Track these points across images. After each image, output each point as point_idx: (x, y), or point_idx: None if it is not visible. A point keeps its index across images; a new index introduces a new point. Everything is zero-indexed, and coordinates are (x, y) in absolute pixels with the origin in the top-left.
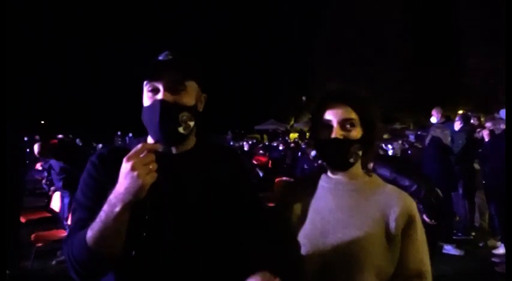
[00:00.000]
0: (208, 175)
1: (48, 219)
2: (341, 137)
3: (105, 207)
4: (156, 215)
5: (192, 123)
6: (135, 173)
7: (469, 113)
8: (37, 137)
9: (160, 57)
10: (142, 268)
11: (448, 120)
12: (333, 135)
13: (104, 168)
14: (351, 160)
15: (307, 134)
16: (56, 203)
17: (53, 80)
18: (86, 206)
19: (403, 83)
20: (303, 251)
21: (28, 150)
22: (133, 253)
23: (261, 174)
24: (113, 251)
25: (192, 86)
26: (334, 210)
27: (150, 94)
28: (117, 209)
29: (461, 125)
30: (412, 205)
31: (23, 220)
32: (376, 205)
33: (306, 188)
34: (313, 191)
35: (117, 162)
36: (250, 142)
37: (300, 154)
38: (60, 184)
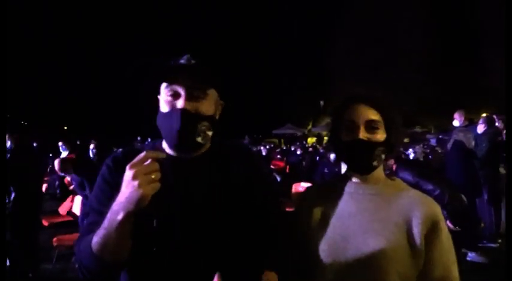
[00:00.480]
0: (220, 179)
1: (69, 223)
2: (366, 139)
3: (109, 214)
4: (167, 221)
5: (210, 133)
6: (136, 182)
7: (493, 116)
8: (60, 143)
9: (181, 61)
10: (153, 273)
11: (471, 124)
12: (359, 136)
13: (118, 171)
14: (375, 163)
15: (325, 138)
16: (77, 207)
17: (74, 86)
18: (97, 210)
19: (424, 86)
20: (323, 256)
21: (51, 154)
22: (147, 264)
23: (278, 179)
24: (118, 258)
25: (212, 94)
26: (354, 215)
27: (169, 99)
28: (119, 217)
29: (485, 128)
30: (437, 210)
31: (45, 223)
32: (398, 210)
33: (327, 192)
34: (334, 195)
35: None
36: (268, 147)
37: (318, 158)
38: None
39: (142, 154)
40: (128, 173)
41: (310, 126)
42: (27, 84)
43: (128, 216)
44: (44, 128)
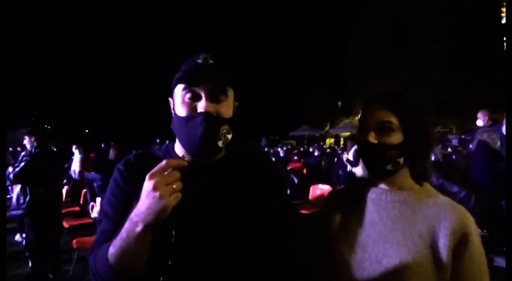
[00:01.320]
0: (239, 185)
1: (89, 225)
2: (375, 141)
3: (127, 224)
4: (186, 232)
5: (230, 136)
6: (157, 193)
7: None
8: (74, 146)
9: (198, 60)
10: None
11: (495, 124)
12: (367, 139)
13: (131, 176)
14: (389, 167)
15: (342, 139)
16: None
17: (94, 90)
18: (112, 217)
19: (444, 86)
20: (341, 265)
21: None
22: (162, 279)
23: (295, 180)
24: (135, 270)
25: (230, 94)
26: (375, 223)
27: (188, 101)
28: (138, 229)
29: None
30: (468, 220)
31: (65, 225)
32: (424, 219)
33: (350, 197)
34: (356, 201)
35: (143, 168)
36: (285, 148)
37: (336, 159)
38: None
39: (164, 163)
40: (149, 184)
41: (328, 128)
42: (49, 88)
43: (148, 227)
44: (65, 131)
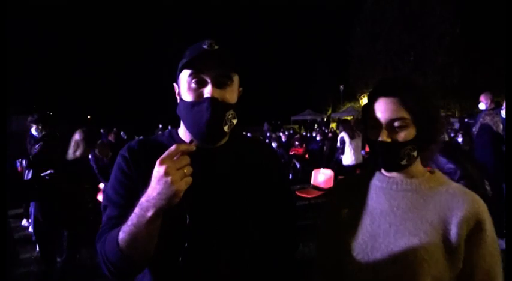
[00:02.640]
0: (242, 169)
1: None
2: (388, 140)
3: (137, 210)
4: (197, 215)
5: (235, 121)
6: (169, 178)
7: None
8: (102, 131)
9: (204, 46)
10: (187, 266)
11: (497, 107)
12: (380, 138)
13: (135, 162)
14: (403, 163)
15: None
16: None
17: (96, 75)
18: (117, 203)
19: (447, 69)
20: (351, 255)
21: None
22: (181, 259)
23: (298, 165)
24: (146, 254)
25: (235, 79)
26: (386, 212)
27: (195, 86)
28: (150, 214)
29: None
30: (481, 207)
31: None
32: (435, 207)
33: (358, 186)
34: (365, 190)
35: (147, 155)
36: (287, 133)
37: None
38: None
39: (173, 148)
40: (160, 169)
41: (329, 112)
42: (51, 74)
43: (158, 212)
44: (68, 118)
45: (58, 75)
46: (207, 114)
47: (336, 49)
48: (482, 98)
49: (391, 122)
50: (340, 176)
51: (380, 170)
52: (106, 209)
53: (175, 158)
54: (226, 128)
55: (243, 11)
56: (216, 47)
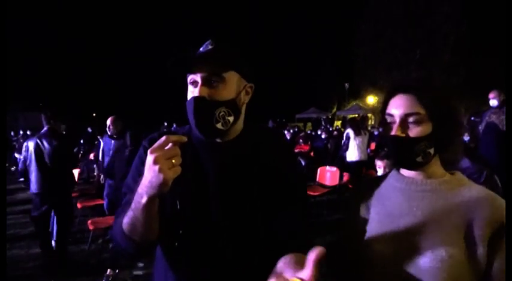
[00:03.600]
0: (254, 162)
1: (102, 206)
2: (402, 135)
3: (135, 197)
4: (202, 205)
5: (231, 118)
6: (157, 167)
7: None
8: (89, 129)
9: (201, 49)
10: (187, 254)
11: (504, 105)
12: (393, 133)
13: None
14: (419, 159)
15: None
16: None
17: (101, 74)
18: (134, 191)
19: (453, 67)
20: (370, 258)
21: (82, 141)
22: (176, 244)
23: (303, 163)
24: (146, 237)
25: (231, 77)
26: (405, 213)
27: (191, 87)
28: (143, 201)
29: None
30: (505, 211)
31: (79, 206)
32: (457, 209)
33: (377, 187)
34: (384, 192)
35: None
36: (291, 131)
37: (342, 142)
38: None
39: (163, 138)
40: (149, 158)
41: (335, 110)
42: (59, 73)
43: (151, 200)
44: (73, 114)
45: (62, 73)
46: (193, 113)
47: (341, 47)
48: (492, 95)
49: (405, 117)
50: (345, 173)
51: (398, 171)
52: (125, 195)
53: (166, 148)
54: (219, 126)
55: (248, 9)
56: (210, 47)
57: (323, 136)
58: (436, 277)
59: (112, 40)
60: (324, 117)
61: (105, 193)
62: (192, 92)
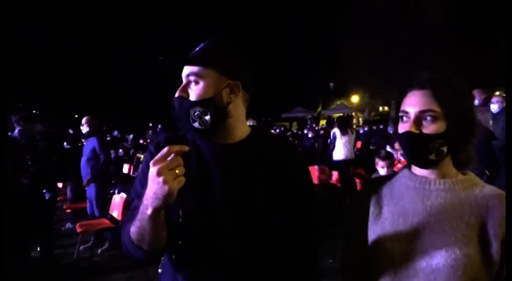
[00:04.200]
0: (259, 165)
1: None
2: (416, 132)
3: (141, 207)
4: (206, 208)
5: (207, 118)
6: (161, 178)
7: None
8: (70, 130)
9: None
10: (193, 257)
11: (488, 103)
12: (407, 129)
13: None
14: (432, 157)
15: (335, 120)
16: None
17: (83, 73)
18: (142, 196)
19: (439, 65)
20: (382, 255)
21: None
22: (174, 256)
23: None
24: (153, 246)
25: (209, 75)
26: (419, 212)
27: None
28: (149, 212)
29: (500, 106)
30: None
31: (67, 210)
32: (471, 208)
33: (387, 186)
34: (395, 190)
35: None
36: (278, 130)
37: (329, 141)
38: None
39: (165, 149)
40: (153, 170)
41: (320, 109)
42: (59, 73)
43: (156, 211)
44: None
45: (62, 73)
46: (173, 113)
47: (327, 46)
48: (475, 94)
49: (420, 114)
50: (333, 172)
51: (410, 170)
52: (133, 200)
53: (168, 158)
54: (197, 125)
55: (232, 9)
56: (198, 48)
57: (310, 135)
58: (450, 276)
59: (112, 40)
60: (310, 116)
61: (87, 196)
62: None
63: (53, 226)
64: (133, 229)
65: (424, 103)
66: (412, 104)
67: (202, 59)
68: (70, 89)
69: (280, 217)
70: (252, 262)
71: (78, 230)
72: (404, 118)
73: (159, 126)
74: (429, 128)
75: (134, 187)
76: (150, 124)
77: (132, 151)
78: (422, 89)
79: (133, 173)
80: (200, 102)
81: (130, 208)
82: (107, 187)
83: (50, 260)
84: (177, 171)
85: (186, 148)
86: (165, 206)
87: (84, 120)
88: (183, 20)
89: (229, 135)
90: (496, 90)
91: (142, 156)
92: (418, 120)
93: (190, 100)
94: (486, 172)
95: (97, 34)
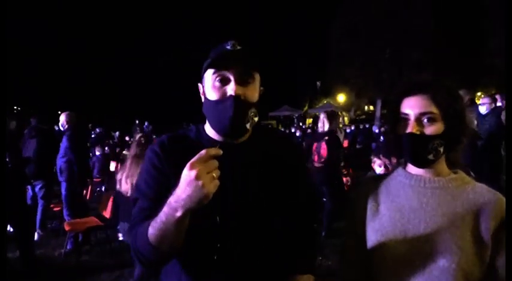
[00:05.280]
0: (267, 164)
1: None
2: (417, 132)
3: (166, 209)
4: (212, 208)
5: (256, 119)
6: (200, 182)
7: (496, 95)
8: (56, 127)
9: (227, 47)
10: (197, 256)
11: (472, 104)
12: (409, 130)
13: (166, 157)
14: (430, 157)
15: None
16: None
17: (69, 69)
18: (149, 196)
19: (423, 65)
20: (380, 250)
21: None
22: (216, 257)
23: None
24: (175, 247)
25: (257, 78)
26: (415, 209)
27: (218, 84)
28: (179, 214)
29: (489, 108)
30: (504, 206)
31: (55, 208)
32: (463, 204)
33: (383, 184)
34: (392, 188)
35: (178, 150)
36: None
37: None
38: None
39: (204, 152)
40: (190, 173)
41: (306, 108)
42: (59, 73)
43: (188, 213)
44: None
45: (62, 73)
46: (231, 112)
47: (314, 45)
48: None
49: (420, 116)
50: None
51: (405, 169)
52: (137, 201)
53: (206, 162)
54: (248, 126)
55: (221, 7)
56: (239, 47)
57: (297, 134)
58: (446, 269)
59: (112, 40)
60: (297, 115)
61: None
62: (219, 89)
63: (28, 226)
64: (152, 231)
65: (423, 105)
66: (412, 106)
67: (255, 61)
68: (69, 89)
69: (282, 218)
70: (255, 262)
71: (66, 228)
72: (404, 119)
73: (146, 123)
74: (429, 129)
75: (138, 187)
76: (137, 121)
77: (118, 149)
78: (421, 92)
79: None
80: (255, 104)
81: (135, 208)
82: (75, 188)
83: (27, 263)
84: (214, 174)
85: (220, 152)
86: (197, 208)
87: (62, 117)
88: (183, 20)
89: (244, 135)
90: (479, 91)
91: (128, 154)
92: (418, 122)
93: (249, 101)
94: (471, 173)
95: (97, 34)
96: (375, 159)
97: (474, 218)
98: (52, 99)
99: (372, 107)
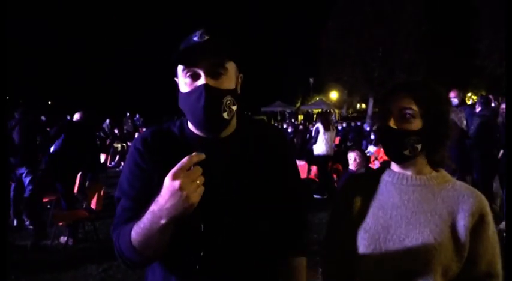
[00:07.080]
0: (254, 159)
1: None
2: (395, 127)
3: (149, 216)
4: (206, 213)
5: (234, 108)
6: (185, 192)
7: (489, 96)
8: (43, 118)
9: (195, 38)
10: (187, 253)
11: (463, 104)
12: (388, 124)
13: (149, 154)
14: (406, 152)
15: (315, 116)
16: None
17: (61, 61)
18: (131, 196)
19: (414, 65)
20: (363, 246)
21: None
22: (198, 266)
23: None
24: (158, 252)
25: (231, 67)
26: (397, 205)
27: (189, 80)
28: (163, 222)
29: (480, 108)
30: (484, 202)
31: (44, 199)
32: (444, 202)
33: (368, 182)
34: (376, 186)
35: (161, 146)
36: None
37: (308, 136)
38: None
39: (186, 160)
40: (174, 183)
41: (299, 104)
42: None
43: (172, 221)
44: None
45: (62, 73)
46: (202, 101)
47: (308, 42)
48: (452, 94)
49: (400, 111)
50: (312, 166)
51: (389, 167)
52: (119, 200)
53: (189, 171)
54: (225, 115)
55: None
56: (207, 37)
57: (289, 130)
58: (424, 262)
59: (112, 40)
60: (289, 111)
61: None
62: (191, 84)
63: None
64: (136, 236)
65: (404, 102)
66: (394, 102)
67: (226, 50)
68: (69, 89)
69: (270, 218)
70: (246, 258)
71: (55, 220)
72: (385, 114)
73: (137, 116)
74: (407, 125)
75: (120, 187)
76: (128, 114)
77: (108, 141)
78: (405, 90)
79: (109, 163)
80: (231, 91)
81: (118, 208)
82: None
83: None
84: (197, 181)
85: (203, 156)
86: (182, 217)
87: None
88: (183, 20)
89: (228, 127)
90: (469, 91)
91: (119, 146)
92: (398, 117)
93: (223, 89)
94: (456, 172)
95: (97, 34)
96: (350, 153)
97: (453, 216)
98: (52, 99)
99: (364, 105)
